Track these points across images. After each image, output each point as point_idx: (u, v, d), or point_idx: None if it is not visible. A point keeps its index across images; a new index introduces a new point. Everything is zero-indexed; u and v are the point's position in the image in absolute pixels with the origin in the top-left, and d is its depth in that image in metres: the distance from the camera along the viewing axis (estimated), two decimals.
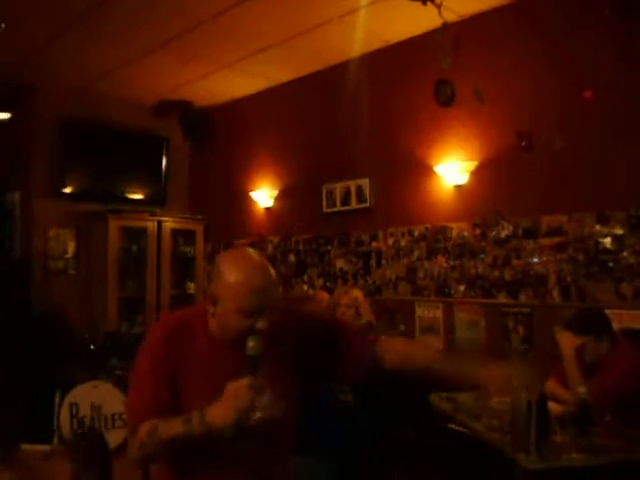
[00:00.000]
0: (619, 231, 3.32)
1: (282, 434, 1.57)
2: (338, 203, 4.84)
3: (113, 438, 4.28)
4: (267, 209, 5.56)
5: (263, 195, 5.53)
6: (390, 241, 4.49)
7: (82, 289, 5.53)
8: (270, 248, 5.47)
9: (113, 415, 4.30)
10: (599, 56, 3.42)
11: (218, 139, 6.03)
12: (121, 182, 5.86)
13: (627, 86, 3.28)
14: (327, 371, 1.71)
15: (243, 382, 1.38)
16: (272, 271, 1.54)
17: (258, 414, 1.38)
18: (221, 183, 6.02)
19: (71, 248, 5.57)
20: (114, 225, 5.41)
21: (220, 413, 1.37)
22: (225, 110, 5.96)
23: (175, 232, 5.82)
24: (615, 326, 2.86)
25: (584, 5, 3.46)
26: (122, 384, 4.39)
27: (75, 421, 4.24)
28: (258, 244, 5.58)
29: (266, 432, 1.43)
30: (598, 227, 3.41)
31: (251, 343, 1.44)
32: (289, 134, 5.38)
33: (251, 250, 1.58)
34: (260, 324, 1.47)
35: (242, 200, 5.75)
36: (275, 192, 5.48)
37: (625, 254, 3.29)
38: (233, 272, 1.49)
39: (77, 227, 5.58)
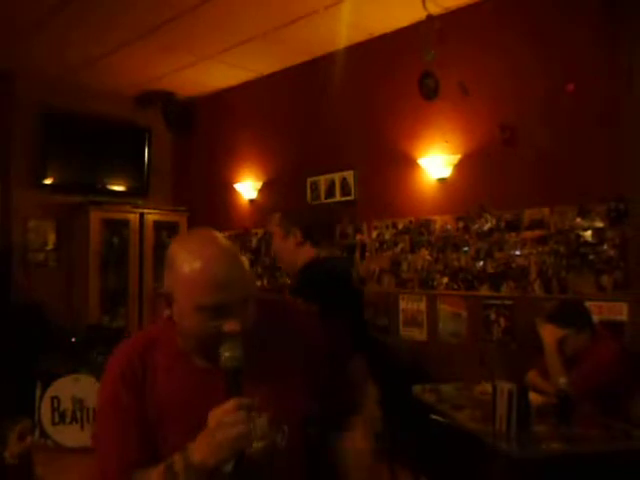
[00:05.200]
0: (599, 224, 3.36)
1: (288, 467, 1.24)
2: (322, 196, 4.83)
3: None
4: (251, 201, 5.54)
5: (247, 187, 5.51)
6: (374, 234, 4.50)
7: (63, 282, 5.47)
8: (254, 240, 5.45)
9: (95, 409, 4.26)
10: (583, 50, 3.45)
11: (201, 130, 5.99)
12: (103, 173, 5.79)
13: (609, 80, 3.31)
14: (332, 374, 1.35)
15: (228, 405, 1.06)
16: (240, 257, 1.21)
17: (256, 443, 1.10)
18: (204, 175, 5.98)
19: (51, 240, 5.49)
20: (95, 217, 5.35)
21: (206, 450, 1.06)
22: (208, 101, 5.91)
23: (158, 224, 5.77)
24: (595, 318, 2.91)
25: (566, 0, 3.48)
26: None
27: (56, 414, 4.20)
28: (242, 236, 5.56)
29: (269, 466, 1.16)
30: (579, 220, 3.45)
31: (226, 353, 1.11)
32: (273, 126, 5.36)
33: (213, 232, 1.22)
34: (229, 326, 1.12)
35: (226, 192, 5.72)
36: (259, 184, 5.46)
37: (605, 247, 3.33)
38: (188, 259, 1.14)
39: (57, 219, 5.51)
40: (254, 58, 4.96)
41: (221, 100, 5.81)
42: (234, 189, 5.62)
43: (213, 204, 5.86)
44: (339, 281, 2.33)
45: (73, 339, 4.78)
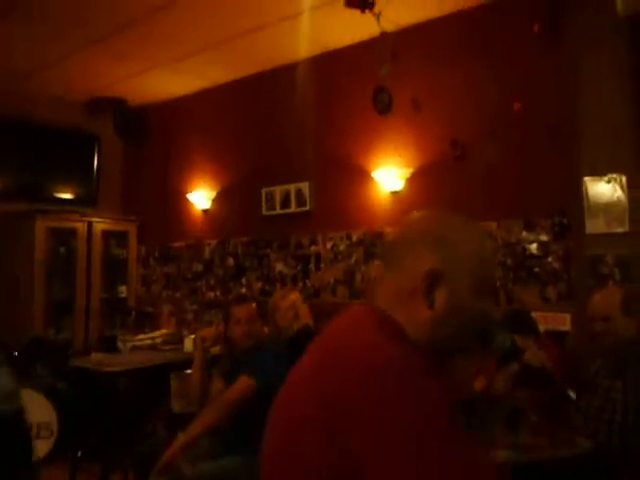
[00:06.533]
0: (544, 238, 3.49)
1: None
2: (278, 206, 4.83)
3: (38, 448, 4.08)
4: (204, 211, 5.47)
5: (200, 197, 5.44)
6: (329, 245, 4.52)
7: (6, 292, 5.24)
8: (207, 251, 5.39)
9: (38, 424, 4.10)
10: (531, 69, 3.59)
11: (153, 139, 5.89)
12: (50, 181, 5.60)
13: (556, 99, 3.46)
14: None
15: None
16: None
17: None
18: (156, 184, 5.87)
19: None
20: (41, 225, 5.16)
21: None
22: (161, 109, 5.82)
23: (107, 233, 5.62)
24: (540, 328, 3.01)
25: (517, 20, 3.62)
26: (47, 391, 4.19)
27: None
28: (195, 247, 5.48)
29: None
30: (525, 234, 3.57)
31: (499, 336, 1.11)
32: (227, 136, 5.32)
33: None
34: (495, 311, 1.09)
35: (178, 201, 5.63)
36: (213, 194, 5.40)
37: (550, 259, 3.46)
38: (467, 235, 1.06)
39: (1, 227, 5.30)
40: (208, 67, 4.93)
41: (174, 108, 5.74)
42: (187, 199, 5.54)
43: (165, 214, 5.76)
44: None
45: (15, 353, 4.59)
